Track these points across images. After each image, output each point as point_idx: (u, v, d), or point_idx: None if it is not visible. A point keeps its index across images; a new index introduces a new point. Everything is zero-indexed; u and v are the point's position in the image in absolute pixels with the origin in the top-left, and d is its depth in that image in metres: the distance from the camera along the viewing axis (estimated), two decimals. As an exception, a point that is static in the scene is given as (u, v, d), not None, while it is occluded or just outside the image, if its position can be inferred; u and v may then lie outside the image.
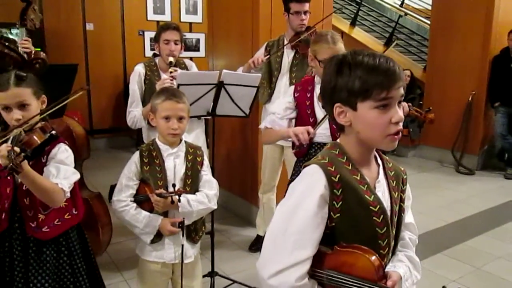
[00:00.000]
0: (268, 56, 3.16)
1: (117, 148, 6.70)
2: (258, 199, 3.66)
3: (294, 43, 3.10)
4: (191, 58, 7.46)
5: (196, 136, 3.01)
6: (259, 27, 3.65)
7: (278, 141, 2.57)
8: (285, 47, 3.18)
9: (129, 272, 3.09)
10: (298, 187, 1.19)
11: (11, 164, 1.41)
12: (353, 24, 8.03)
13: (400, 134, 1.15)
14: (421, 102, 6.47)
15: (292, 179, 2.36)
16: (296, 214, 1.13)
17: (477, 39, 5.80)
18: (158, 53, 2.99)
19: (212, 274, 2.83)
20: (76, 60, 6.49)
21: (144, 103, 2.90)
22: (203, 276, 2.79)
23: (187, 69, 3.06)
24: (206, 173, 2.13)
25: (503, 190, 5.20)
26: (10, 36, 2.96)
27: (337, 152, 1.20)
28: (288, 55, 3.20)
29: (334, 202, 1.14)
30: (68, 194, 1.71)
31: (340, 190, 1.14)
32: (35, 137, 1.58)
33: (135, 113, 2.88)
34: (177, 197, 1.93)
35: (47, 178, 1.66)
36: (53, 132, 1.69)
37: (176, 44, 2.88)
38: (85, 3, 6.54)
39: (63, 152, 1.75)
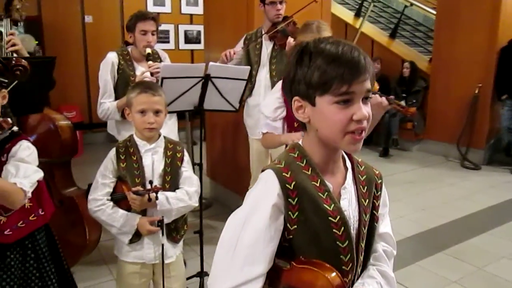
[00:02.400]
0: (242, 48, 3.10)
1: (116, 142, 6.64)
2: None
3: (271, 34, 3.03)
4: (192, 51, 7.44)
5: (169, 129, 2.89)
6: (253, 18, 3.54)
7: None
8: (263, 39, 3.11)
9: (118, 270, 3.02)
10: (251, 195, 1.07)
11: None
12: (357, 15, 7.86)
13: (363, 134, 1.01)
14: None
15: None
16: (247, 226, 1.02)
17: (483, 29, 5.62)
18: (131, 42, 2.84)
19: (201, 274, 2.74)
20: (74, 54, 6.46)
21: (116, 94, 2.76)
22: (192, 277, 2.71)
23: (161, 60, 2.93)
24: (186, 169, 2.03)
25: (509, 185, 5.04)
26: (1, 29, 2.85)
27: (295, 155, 1.08)
28: (266, 47, 3.13)
29: (290, 212, 1.02)
30: (30, 194, 1.60)
31: (296, 199, 1.02)
32: None
33: (108, 105, 2.74)
34: (154, 194, 1.84)
35: (5, 178, 1.56)
36: (14, 128, 1.60)
37: (153, 34, 2.75)
38: (83, -6, 6.46)
39: (24, 150, 1.64)
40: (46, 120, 2.64)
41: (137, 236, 1.95)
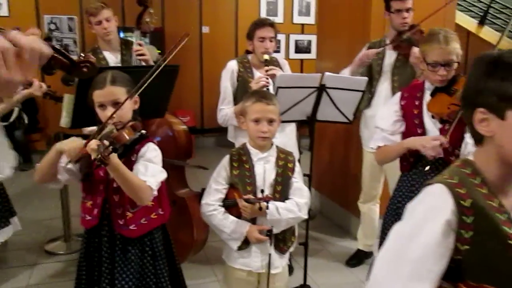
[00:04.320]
0: (380, 49, 2.93)
1: (224, 147, 6.86)
2: (359, 210, 3.43)
3: (395, 44, 2.85)
4: (301, 60, 7.46)
5: (286, 136, 2.88)
6: (370, 28, 3.43)
7: None
8: (386, 48, 2.94)
9: (223, 273, 3.07)
10: (418, 209, 1.02)
11: (99, 156, 1.45)
12: (481, 23, 7.24)
13: None
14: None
15: (394, 195, 2.13)
16: (415, 240, 0.97)
17: None
18: (251, 50, 2.90)
19: (303, 287, 2.70)
20: (191, 62, 6.84)
21: (235, 100, 2.84)
22: (294, 288, 2.69)
23: (280, 67, 2.95)
24: (297, 180, 2.01)
25: None
26: (133, 40, 3.14)
27: (469, 172, 1.01)
28: (390, 57, 2.96)
29: (462, 231, 0.95)
30: (155, 193, 1.72)
31: (472, 218, 0.95)
32: (124, 134, 1.61)
33: (226, 111, 2.83)
34: (265, 203, 1.84)
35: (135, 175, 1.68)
36: (143, 131, 1.71)
37: (271, 41, 2.78)
38: (202, 7, 6.83)
39: (152, 151, 1.77)
40: (165, 124, 2.81)
41: (245, 244, 1.97)
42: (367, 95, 3.03)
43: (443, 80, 1.94)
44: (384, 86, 2.96)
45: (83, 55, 0.89)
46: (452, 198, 0.96)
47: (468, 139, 1.90)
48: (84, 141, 1.59)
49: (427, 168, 1.97)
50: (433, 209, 0.98)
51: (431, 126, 1.97)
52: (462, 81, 1.93)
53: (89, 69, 0.91)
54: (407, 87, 2.24)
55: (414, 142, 1.95)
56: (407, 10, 2.82)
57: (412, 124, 2.02)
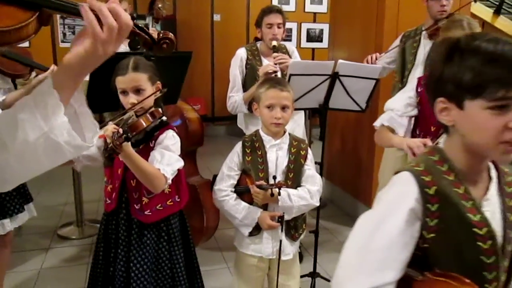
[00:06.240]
0: (383, 53, 2.89)
1: (235, 135, 6.87)
2: (370, 200, 3.42)
3: (431, 32, 2.77)
4: (313, 49, 7.42)
5: (295, 122, 2.87)
6: (384, 18, 3.40)
7: None
8: (422, 37, 2.86)
9: (233, 260, 3.09)
10: (385, 198, 1.01)
11: (111, 145, 1.46)
12: (497, 12, 7.12)
13: None
14: None
15: None
16: (380, 229, 0.95)
17: None
18: (260, 38, 2.90)
19: (313, 274, 2.71)
20: (203, 50, 6.83)
21: (244, 88, 2.85)
22: (304, 276, 2.69)
23: (289, 54, 2.94)
24: (309, 167, 2.01)
25: None
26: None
27: (436, 159, 0.99)
28: (424, 46, 2.85)
29: (427, 219, 0.94)
30: (170, 181, 1.72)
31: (437, 206, 0.94)
32: (141, 121, 1.60)
33: (235, 98, 2.85)
34: (277, 190, 1.84)
35: (151, 163, 1.69)
36: (164, 118, 1.70)
37: (279, 27, 2.78)
38: (214, -6, 6.81)
39: (170, 139, 1.77)
40: (177, 111, 2.81)
41: (257, 230, 1.98)
42: (399, 85, 2.98)
43: None
44: (416, 75, 2.81)
45: (162, 31, 0.90)
46: (417, 186, 0.95)
47: None
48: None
49: None
50: (397, 198, 0.97)
51: None
52: None
53: (168, 45, 0.91)
54: (424, 75, 2.21)
55: (402, 142, 1.90)
56: None
57: (429, 111, 1.99)
